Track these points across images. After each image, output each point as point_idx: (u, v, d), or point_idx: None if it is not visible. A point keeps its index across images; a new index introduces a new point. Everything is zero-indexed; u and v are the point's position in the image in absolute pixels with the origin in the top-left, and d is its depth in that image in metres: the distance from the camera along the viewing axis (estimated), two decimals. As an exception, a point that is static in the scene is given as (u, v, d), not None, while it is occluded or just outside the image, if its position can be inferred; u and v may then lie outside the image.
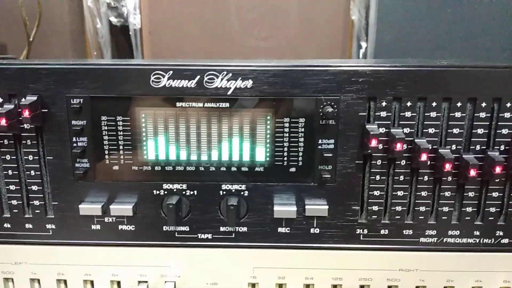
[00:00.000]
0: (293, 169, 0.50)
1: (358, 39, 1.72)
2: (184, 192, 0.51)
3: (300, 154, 0.50)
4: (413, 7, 1.40)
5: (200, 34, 1.64)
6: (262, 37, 1.62)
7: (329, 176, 0.49)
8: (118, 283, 0.55)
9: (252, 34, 1.63)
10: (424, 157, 0.46)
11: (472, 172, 0.47)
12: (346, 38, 1.71)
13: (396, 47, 1.41)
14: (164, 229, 0.52)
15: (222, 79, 0.47)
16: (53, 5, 1.63)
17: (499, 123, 0.48)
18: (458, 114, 0.48)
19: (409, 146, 0.48)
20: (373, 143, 0.46)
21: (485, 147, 0.49)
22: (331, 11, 1.66)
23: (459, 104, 0.47)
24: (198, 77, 0.47)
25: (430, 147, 0.48)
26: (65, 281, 0.55)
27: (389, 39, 1.46)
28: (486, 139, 0.48)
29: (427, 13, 1.39)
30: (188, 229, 0.52)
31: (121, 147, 0.50)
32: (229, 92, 0.47)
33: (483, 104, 0.47)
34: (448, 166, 0.47)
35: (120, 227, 0.52)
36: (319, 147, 0.49)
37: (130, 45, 1.82)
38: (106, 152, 0.50)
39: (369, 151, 0.47)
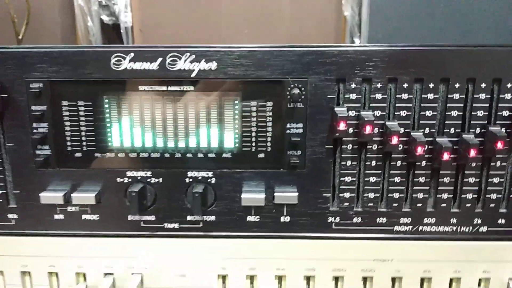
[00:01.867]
0: (261, 155, 0.48)
1: (351, 36, 1.71)
2: (148, 180, 0.49)
3: (269, 139, 0.48)
4: (405, 3, 1.39)
5: (191, 33, 1.63)
6: (254, 35, 1.60)
7: (298, 161, 0.48)
8: (84, 275, 0.53)
9: (244, 33, 1.62)
10: (395, 140, 0.45)
11: (446, 156, 0.45)
12: (339, 35, 1.69)
13: (389, 42, 1.40)
14: (129, 219, 0.50)
15: (185, 61, 0.45)
16: (43, 3, 1.62)
17: (474, 105, 0.46)
18: (430, 96, 0.46)
19: (380, 130, 0.46)
20: (342, 126, 0.45)
21: (460, 130, 0.47)
22: (324, 7, 1.64)
23: (431, 85, 0.46)
24: (160, 59, 0.45)
25: (402, 130, 0.46)
26: (29, 273, 0.53)
27: (382, 35, 1.45)
28: (460, 122, 0.46)
29: (420, 9, 1.38)
30: (154, 219, 0.50)
31: (83, 133, 0.48)
32: (193, 74, 0.46)
33: (457, 85, 0.45)
34: (420, 150, 0.45)
35: (83, 216, 0.50)
36: (288, 131, 0.47)
37: (122, 43, 1.81)
38: (68, 138, 0.48)
39: (338, 134, 0.45)
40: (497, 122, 0.46)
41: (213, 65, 0.45)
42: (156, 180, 0.49)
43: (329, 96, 0.46)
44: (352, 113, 0.46)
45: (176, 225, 0.50)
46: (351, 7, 1.67)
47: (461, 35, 1.33)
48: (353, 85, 0.46)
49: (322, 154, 0.48)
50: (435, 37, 1.35)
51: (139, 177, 0.49)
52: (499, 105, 0.46)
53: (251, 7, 1.59)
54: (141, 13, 1.69)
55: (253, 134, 0.48)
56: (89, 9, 1.79)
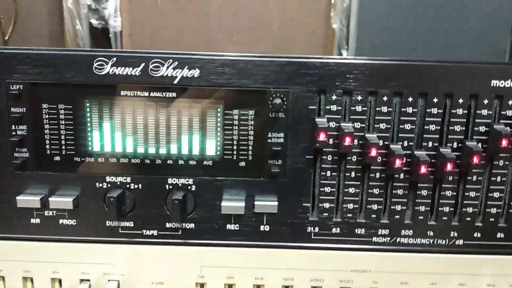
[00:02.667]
0: (242, 163, 0.48)
1: (339, 48, 1.73)
2: (128, 186, 0.49)
3: (250, 147, 0.48)
4: (392, 17, 1.41)
5: (180, 39, 1.63)
6: (242, 44, 1.61)
7: (279, 171, 0.48)
8: (60, 281, 0.52)
9: (232, 41, 1.62)
10: (373, 152, 0.45)
11: (423, 169, 0.46)
12: (327, 47, 1.71)
13: (375, 55, 1.42)
14: (107, 224, 0.50)
15: (168, 67, 0.46)
16: (31, 5, 1.61)
17: (451, 120, 0.47)
18: (409, 110, 0.47)
19: (360, 142, 0.47)
20: (322, 137, 0.45)
21: (437, 144, 0.47)
22: (312, 19, 1.66)
23: (410, 99, 0.46)
24: (143, 64, 0.45)
25: (381, 143, 0.47)
26: (3, 278, 0.52)
27: (369, 48, 1.47)
28: (438, 136, 0.47)
29: (407, 23, 1.40)
30: (132, 225, 0.50)
31: (62, 136, 0.48)
32: (176, 81, 0.46)
33: (435, 100, 0.46)
34: (398, 163, 0.46)
35: (61, 221, 0.50)
36: (269, 140, 0.47)
37: (110, 47, 1.81)
38: (47, 141, 0.48)
39: (318, 145, 0.46)
40: (474, 137, 0.47)
41: (195, 72, 0.46)
42: (136, 186, 0.49)
43: (310, 107, 0.47)
44: (332, 124, 0.47)
45: (155, 232, 0.50)
46: (339, 20, 1.69)
47: (446, 48, 1.36)
48: (334, 97, 0.46)
49: (302, 164, 0.48)
50: (421, 50, 1.38)
51: (118, 183, 0.48)
52: (476, 120, 0.47)
53: (241, 15, 1.60)
54: (130, 18, 1.69)
55: (235, 142, 0.48)
56: (78, 13, 1.79)
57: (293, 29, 1.65)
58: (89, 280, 0.52)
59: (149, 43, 1.65)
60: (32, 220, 0.50)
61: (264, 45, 1.61)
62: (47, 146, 0.48)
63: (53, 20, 1.73)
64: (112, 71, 0.46)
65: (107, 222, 0.50)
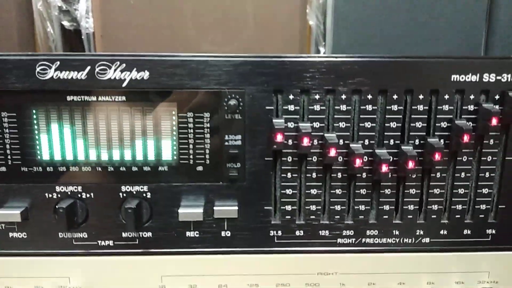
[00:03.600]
0: (200, 168, 0.46)
1: (317, 44, 1.72)
2: (79, 195, 0.46)
3: (207, 151, 0.46)
4: (369, 12, 1.40)
5: (154, 39, 1.59)
6: (218, 42, 1.59)
7: (237, 174, 0.46)
8: (14, 297, 0.50)
9: (208, 39, 1.60)
10: (333, 152, 0.44)
11: (384, 168, 0.45)
12: (304, 43, 1.70)
13: (353, 51, 1.41)
14: (60, 236, 0.47)
15: (115, 70, 0.43)
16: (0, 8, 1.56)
17: (412, 116, 0.46)
18: (369, 107, 0.45)
19: (320, 141, 0.46)
20: (279, 138, 0.43)
21: (399, 142, 0.46)
22: (287, 15, 1.64)
23: (369, 97, 0.45)
24: (88, 68, 0.43)
25: (342, 142, 0.45)
26: (-48, 297, 0.49)
27: (346, 43, 1.46)
28: (399, 133, 0.46)
29: (383, 17, 1.39)
30: (86, 236, 0.47)
31: (7, 146, 0.45)
32: (124, 84, 0.44)
33: (395, 97, 0.45)
34: (358, 162, 0.44)
35: (11, 234, 0.47)
36: (226, 143, 0.46)
37: (84, 49, 1.76)
38: (-8, 152, 0.45)
39: (275, 146, 0.44)
40: (436, 133, 0.46)
41: (145, 74, 0.43)
42: (88, 195, 0.46)
43: (267, 107, 0.45)
44: (291, 124, 0.45)
45: (110, 242, 0.48)
46: (315, 16, 1.68)
47: (423, 41, 1.36)
48: (291, 96, 0.45)
49: (262, 166, 0.46)
50: (399, 44, 1.37)
51: (69, 192, 0.46)
52: (437, 116, 0.46)
53: (215, 12, 1.58)
54: (102, 18, 1.65)
55: (191, 146, 0.46)
56: (48, 14, 1.74)
57: (269, 26, 1.62)
58: (44, 294, 0.49)
59: (122, 43, 1.61)
60: (-20, 235, 0.47)
61: (240, 43, 1.59)
62: (-8, 157, 0.45)
63: (23, 22, 1.68)
64: (56, 75, 0.43)
65: (59, 233, 0.47)
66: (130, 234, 0.47)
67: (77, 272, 0.49)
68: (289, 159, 0.46)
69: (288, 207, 0.47)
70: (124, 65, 0.43)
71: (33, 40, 1.74)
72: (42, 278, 0.49)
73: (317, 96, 0.45)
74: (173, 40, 1.59)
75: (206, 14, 1.57)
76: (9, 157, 0.45)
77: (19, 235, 0.47)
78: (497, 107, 0.45)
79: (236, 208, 0.47)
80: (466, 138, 0.44)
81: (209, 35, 1.59)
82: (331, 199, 0.47)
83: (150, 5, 1.59)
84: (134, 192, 0.46)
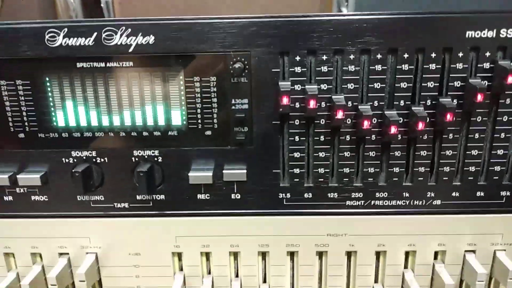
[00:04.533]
0: (208, 132, 0.47)
1: (339, 5, 1.66)
2: (94, 160, 0.48)
3: (215, 115, 0.46)
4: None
5: (172, 4, 1.58)
6: (236, 6, 1.56)
7: (245, 138, 0.46)
8: (40, 255, 0.53)
9: (226, 3, 1.57)
10: (340, 114, 0.43)
11: (393, 129, 0.44)
12: (325, 5, 1.64)
13: (376, 10, 1.36)
14: (78, 199, 0.50)
15: (121, 35, 0.44)
16: (19, -22, 1.57)
17: (424, 76, 0.44)
18: (378, 67, 0.44)
19: (328, 104, 0.45)
20: (285, 101, 0.43)
21: (409, 103, 0.45)
22: (308, -25, 1.59)
23: (379, 56, 0.44)
24: (95, 34, 0.44)
25: (350, 104, 0.45)
26: (-16, 255, 0.53)
27: (368, 3, 1.40)
28: (410, 94, 0.45)
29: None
30: (103, 198, 0.49)
31: (24, 113, 0.47)
32: (131, 50, 0.44)
33: (406, 56, 0.44)
34: (366, 124, 0.44)
35: (33, 197, 0.50)
36: (233, 107, 0.46)
37: (103, 17, 1.77)
38: (10, 119, 0.47)
39: (281, 110, 0.44)
40: (449, 93, 0.45)
41: (150, 39, 0.44)
42: (102, 159, 0.48)
43: (273, 70, 0.44)
44: (298, 87, 0.45)
45: (126, 205, 0.50)
46: (337, -26, 1.61)
47: (458, 1, 1.29)
48: (298, 58, 0.44)
49: (269, 130, 0.46)
50: (429, 3, 1.31)
51: (84, 157, 0.48)
52: (451, 75, 0.44)
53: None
54: (120, -15, 1.64)
55: (199, 111, 0.46)
56: (68, -17, 1.74)
57: (289, -13, 1.58)
58: (68, 253, 0.52)
59: (140, 10, 1.61)
60: (5, 198, 0.50)
61: (259, 7, 1.55)
62: (10, 124, 0.47)
63: (43, -8, 1.69)
64: (65, 42, 0.44)
65: (77, 196, 0.49)
66: (144, 197, 0.49)
67: (96, 232, 0.51)
68: (297, 122, 0.46)
69: (297, 170, 0.48)
70: (129, 29, 0.43)
71: (54, 10, 1.75)
72: (65, 238, 0.51)
73: (324, 57, 0.44)
74: (191, 5, 1.57)
75: (224, -24, 1.54)
76: (26, 124, 0.47)
77: (41, 198, 0.50)
78: (515, 64, 0.43)
79: (245, 171, 0.47)
80: (480, 98, 0.43)
81: (227, 0, 1.56)
82: (340, 162, 0.47)
83: (167, -30, 1.57)
84: (146, 156, 0.48)
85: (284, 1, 1.59)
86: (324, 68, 0.44)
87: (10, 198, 0.50)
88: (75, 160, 0.48)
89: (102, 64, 0.45)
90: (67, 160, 0.48)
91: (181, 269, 0.53)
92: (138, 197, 0.49)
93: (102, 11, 1.78)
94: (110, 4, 1.72)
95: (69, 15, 1.80)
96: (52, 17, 1.72)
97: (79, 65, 0.45)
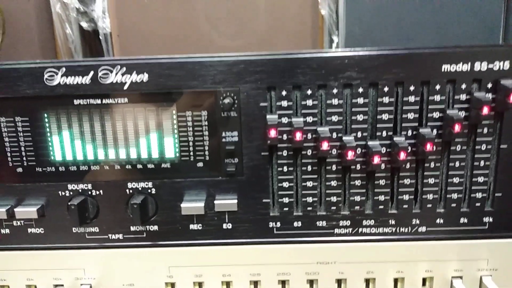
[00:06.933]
0: (200, 164, 0.49)
1: (330, 34, 1.71)
2: (90, 192, 0.50)
3: (206, 148, 0.48)
4: (381, -1, 1.39)
5: (168, 35, 1.63)
6: (230, 35, 1.61)
7: (235, 169, 0.48)
8: (35, 287, 0.54)
9: (220, 32, 1.62)
10: (325, 145, 0.45)
11: (376, 159, 0.46)
12: (316, 34, 1.69)
13: (366, 39, 1.40)
14: (74, 231, 0.51)
15: (116, 74, 0.46)
16: (19, 12, 1.62)
17: (404, 108, 0.47)
18: (360, 101, 0.46)
19: (313, 135, 0.47)
20: (272, 133, 0.45)
21: (391, 133, 0.47)
22: (299, 6, 1.64)
23: (361, 90, 0.46)
24: (92, 73, 0.46)
25: (335, 135, 0.47)
26: (-20, 288, 0.54)
27: (359, 31, 1.45)
28: (392, 125, 0.47)
29: (396, 4, 1.38)
30: (97, 230, 0.51)
31: (22, 148, 0.49)
32: (125, 87, 0.46)
33: (386, 89, 0.46)
34: (351, 154, 0.46)
35: (29, 230, 0.51)
36: (223, 140, 0.48)
37: (102, 49, 1.81)
38: (8, 154, 0.49)
39: (269, 142, 0.46)
40: (428, 123, 0.47)
41: (144, 77, 0.46)
42: (97, 192, 0.50)
43: (261, 104, 0.47)
44: (285, 120, 0.47)
45: (120, 236, 0.51)
46: (327, 5, 1.67)
47: (439, 30, 1.34)
48: (284, 93, 0.46)
49: (259, 161, 0.48)
50: (413, 31, 1.36)
51: (80, 190, 0.49)
52: (429, 107, 0.47)
53: (226, 6, 1.59)
54: (118, 18, 1.69)
55: (191, 144, 0.48)
56: (67, 16, 1.79)
57: (281, 17, 1.63)
58: (62, 285, 0.53)
59: (138, 42, 1.65)
60: (2, 231, 0.51)
61: (252, 35, 1.60)
62: (9, 159, 0.49)
63: (43, 25, 1.74)
64: (63, 81, 0.46)
65: (73, 228, 0.51)
66: (137, 228, 0.50)
67: (91, 263, 0.52)
68: (285, 153, 0.48)
69: (286, 199, 0.49)
70: (124, 68, 0.46)
71: (54, 42, 1.80)
72: (60, 270, 0.52)
73: (309, 91, 0.46)
74: (186, 35, 1.62)
75: (218, 7, 1.59)
76: (24, 158, 0.49)
77: (37, 230, 0.51)
78: (489, 95, 0.46)
79: (236, 201, 0.49)
80: (457, 128, 0.45)
81: (221, 28, 1.61)
82: (327, 191, 0.49)
83: (163, 2, 1.62)
84: (140, 188, 0.49)
85: (276, 29, 1.64)
86: (309, 102, 0.46)
87: (7, 231, 0.51)
88: (71, 193, 0.50)
89: (99, 101, 0.47)
90: (63, 193, 0.50)
91: (175, 299, 0.53)
92: (132, 228, 0.51)
93: (101, 43, 1.83)
94: (109, 37, 1.78)
95: (68, 47, 1.85)
96: (52, 50, 1.77)
97: (76, 102, 0.47)
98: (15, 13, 1.58)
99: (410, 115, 0.47)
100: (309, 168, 0.48)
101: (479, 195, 0.49)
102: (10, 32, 1.58)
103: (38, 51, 1.73)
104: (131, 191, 0.49)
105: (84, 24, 1.84)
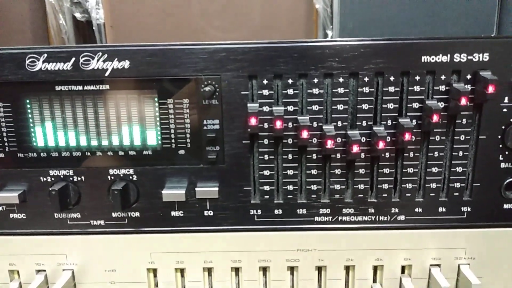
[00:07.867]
0: (182, 152, 0.49)
1: (324, 28, 1.71)
2: (71, 178, 0.50)
3: (188, 135, 0.49)
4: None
5: (162, 27, 1.62)
6: (224, 28, 1.60)
7: (216, 157, 0.49)
8: (18, 272, 0.54)
9: (214, 26, 1.62)
10: (305, 134, 0.46)
11: (355, 148, 0.46)
12: (310, 27, 1.70)
13: (360, 33, 1.41)
14: (56, 217, 0.51)
15: (98, 60, 0.46)
16: (12, 2, 1.61)
17: (384, 98, 0.47)
18: (341, 90, 0.47)
19: (294, 124, 0.47)
20: (253, 121, 0.46)
21: (371, 123, 0.48)
22: (294, 0, 1.64)
23: (341, 80, 0.46)
24: (73, 59, 0.46)
25: (316, 124, 0.47)
26: (-37, 273, 0.54)
27: (353, 26, 1.46)
28: (372, 115, 0.47)
29: (390, 0, 1.39)
30: (79, 216, 0.51)
31: (4, 134, 0.49)
32: (107, 74, 0.46)
33: (366, 79, 0.46)
34: (330, 143, 0.46)
35: (11, 215, 0.51)
36: (205, 127, 0.48)
37: (95, 40, 1.81)
38: (-10, 139, 0.49)
39: (250, 130, 0.46)
40: (408, 114, 0.47)
41: (126, 63, 0.46)
42: (79, 178, 0.50)
43: (242, 93, 0.47)
44: (266, 108, 0.47)
45: (102, 222, 0.51)
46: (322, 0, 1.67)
47: (431, 23, 1.35)
48: (265, 81, 0.47)
49: (240, 149, 0.49)
50: (407, 25, 1.36)
51: (61, 176, 0.50)
52: (409, 97, 0.47)
53: (220, 0, 1.59)
54: (112, 9, 1.68)
55: (172, 131, 0.49)
56: (60, 7, 1.79)
57: (275, 11, 1.63)
58: (44, 270, 0.53)
59: (131, 33, 1.65)
60: (-16, 216, 0.51)
61: (246, 29, 1.60)
62: (-9, 144, 0.49)
63: (36, 16, 1.73)
64: (44, 67, 0.46)
65: (55, 214, 0.51)
66: (119, 214, 0.51)
67: (73, 249, 0.52)
68: (266, 141, 0.48)
69: (267, 187, 0.50)
70: (106, 55, 0.46)
71: (47, 33, 1.79)
72: (42, 255, 0.53)
73: (290, 81, 0.46)
74: (180, 27, 1.62)
75: (212, 1, 1.59)
76: (6, 144, 0.49)
77: (19, 216, 0.51)
78: (468, 87, 0.46)
79: (217, 188, 0.49)
80: (436, 118, 0.45)
81: (215, 22, 1.61)
82: (308, 179, 0.50)
83: (157, -6, 1.62)
84: (121, 175, 0.50)
85: (271, 23, 1.64)
86: (290, 91, 0.47)
87: (-11, 216, 0.51)
88: (52, 179, 0.50)
89: (80, 87, 0.47)
90: (45, 179, 0.50)
91: (157, 286, 0.54)
92: (113, 215, 0.51)
93: (94, 34, 1.82)
94: (102, 27, 1.77)
95: (61, 37, 1.84)
96: (45, 40, 1.76)
97: (57, 88, 0.47)
98: (8, 3, 1.57)
99: (390, 105, 0.47)
100: (290, 156, 0.49)
101: (457, 185, 0.50)
102: (3, 22, 1.57)
103: (31, 41, 1.73)
104: (112, 177, 0.50)
105: (78, 15, 1.84)
